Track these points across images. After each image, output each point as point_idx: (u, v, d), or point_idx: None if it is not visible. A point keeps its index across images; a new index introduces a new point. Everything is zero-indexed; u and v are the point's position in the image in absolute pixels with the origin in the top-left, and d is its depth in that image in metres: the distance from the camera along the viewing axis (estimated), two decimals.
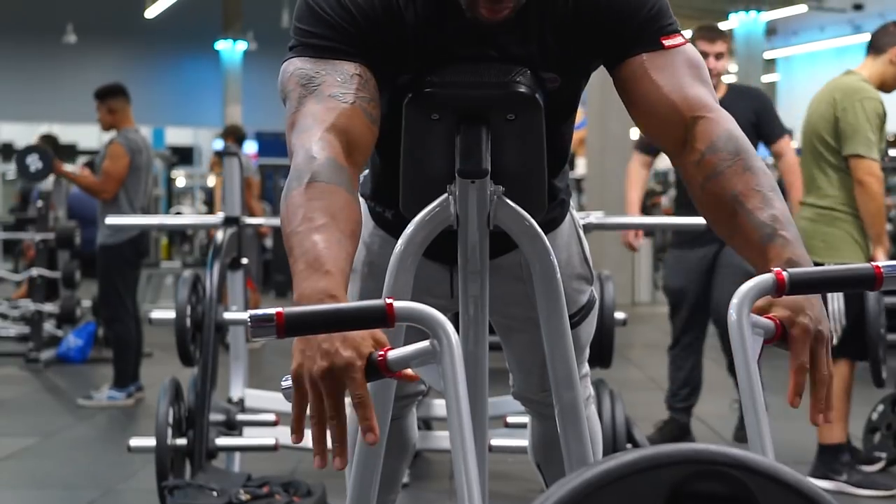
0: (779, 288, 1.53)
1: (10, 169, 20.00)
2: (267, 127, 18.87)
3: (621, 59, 1.91)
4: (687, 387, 5.25)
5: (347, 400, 1.52)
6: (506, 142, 1.92)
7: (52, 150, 9.57)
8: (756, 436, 1.53)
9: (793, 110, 23.27)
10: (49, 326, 8.36)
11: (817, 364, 1.65)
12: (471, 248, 1.97)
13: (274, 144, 17.09)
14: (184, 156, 21.39)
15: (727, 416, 5.64)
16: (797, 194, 4.87)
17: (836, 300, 4.42)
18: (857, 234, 4.47)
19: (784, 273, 1.53)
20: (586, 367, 2.45)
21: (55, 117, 21.92)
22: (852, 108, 4.42)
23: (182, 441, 3.95)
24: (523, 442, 3.51)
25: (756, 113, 5.03)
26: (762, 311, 1.65)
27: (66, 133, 20.09)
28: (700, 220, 3.85)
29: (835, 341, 4.40)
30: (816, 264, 1.72)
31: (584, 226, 2.48)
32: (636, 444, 3.93)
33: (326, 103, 1.79)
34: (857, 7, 19.51)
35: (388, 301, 1.46)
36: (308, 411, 1.51)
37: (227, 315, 4.21)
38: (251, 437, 4.34)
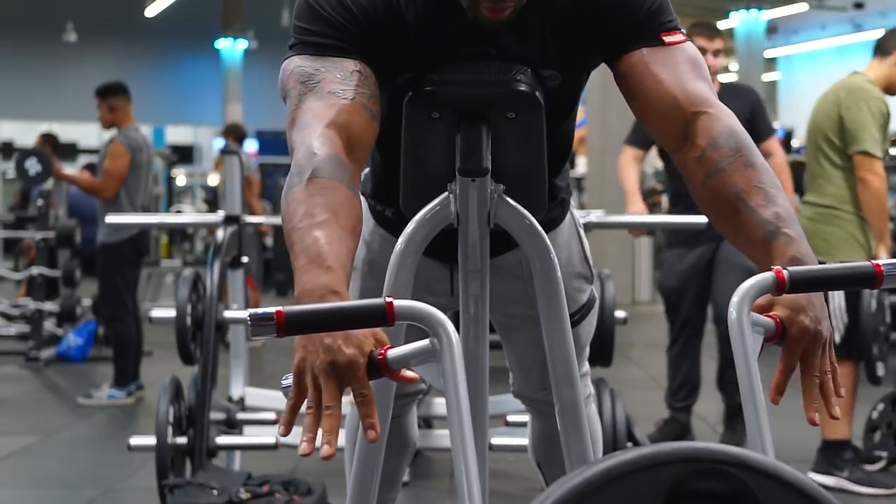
0: (779, 286, 1.53)
1: (10, 167, 20.04)
2: (267, 125, 18.88)
3: (621, 53, 1.91)
4: (686, 386, 5.25)
5: (347, 399, 1.52)
6: (506, 140, 1.92)
7: (53, 148, 9.61)
8: (756, 434, 1.53)
9: (793, 109, 23.31)
10: (49, 325, 8.35)
11: (811, 364, 1.66)
12: (471, 246, 1.97)
13: (274, 143, 17.10)
14: (184, 154, 21.40)
15: None
16: (788, 194, 4.89)
17: (837, 298, 4.43)
18: (857, 233, 4.49)
19: (784, 271, 1.53)
20: (586, 366, 2.45)
21: (55, 116, 21.92)
22: (857, 106, 4.45)
23: (182, 440, 3.95)
24: (524, 440, 3.51)
25: (751, 111, 5.04)
26: (763, 310, 1.65)
27: (67, 132, 20.08)
28: (701, 219, 3.86)
29: (837, 339, 4.42)
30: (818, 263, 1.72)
31: (584, 224, 2.48)
32: (636, 443, 3.93)
33: (327, 100, 1.79)
34: (858, 6, 19.51)
35: (388, 300, 1.45)
36: (305, 403, 1.52)
37: (228, 314, 4.21)
38: (251, 435, 4.34)
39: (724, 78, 5.23)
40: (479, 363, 2.04)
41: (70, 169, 8.16)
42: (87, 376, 7.48)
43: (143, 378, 6.71)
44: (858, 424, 4.80)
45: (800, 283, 1.53)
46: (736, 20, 17.89)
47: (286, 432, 1.52)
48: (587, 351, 2.42)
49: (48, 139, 9.81)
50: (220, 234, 4.38)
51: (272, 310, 1.43)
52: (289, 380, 1.53)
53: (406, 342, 1.56)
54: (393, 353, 1.50)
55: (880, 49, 4.62)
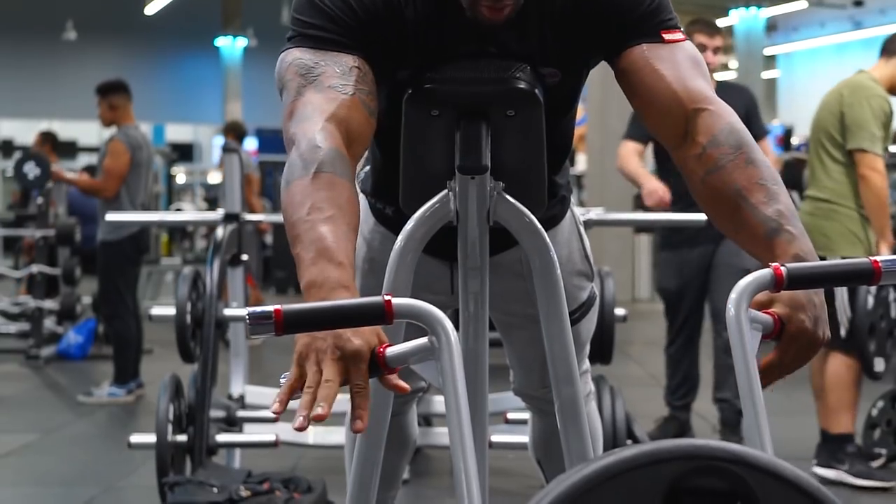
0: (777, 283, 1.53)
1: (10, 166, 20.04)
2: (267, 123, 18.86)
3: (621, 50, 1.91)
4: (685, 385, 5.26)
5: (346, 396, 1.51)
6: (506, 138, 1.93)
7: (52, 146, 9.61)
8: (755, 431, 1.53)
9: (793, 107, 23.30)
10: (49, 323, 8.36)
11: (801, 362, 1.67)
12: (471, 244, 1.97)
13: (274, 141, 17.09)
14: (184, 152, 21.40)
15: None
16: None
17: (841, 292, 4.45)
18: (857, 229, 4.51)
19: (782, 268, 1.53)
20: (587, 364, 2.46)
21: (55, 114, 21.91)
22: (859, 103, 4.48)
23: (182, 437, 3.95)
24: (523, 438, 3.52)
25: (746, 111, 5.04)
26: (763, 307, 1.65)
27: (66, 130, 20.07)
28: (701, 216, 3.86)
29: (843, 333, 4.44)
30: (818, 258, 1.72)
31: (584, 222, 2.48)
32: (636, 441, 3.94)
33: (326, 93, 1.79)
34: (858, 3, 19.50)
35: (387, 298, 1.45)
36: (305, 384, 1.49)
37: (228, 311, 4.21)
38: (251, 433, 4.34)
39: (722, 76, 5.21)
40: (479, 361, 2.04)
41: (71, 173, 8.15)
42: (87, 374, 7.48)
43: (143, 376, 6.71)
44: (858, 422, 4.80)
45: (798, 279, 1.53)
46: (735, 18, 17.89)
47: (281, 409, 1.48)
48: (587, 349, 2.43)
49: (47, 137, 9.81)
50: (220, 232, 4.38)
51: (270, 308, 1.43)
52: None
53: (405, 340, 1.56)
54: (392, 351, 1.50)
55: (887, 50, 4.67)
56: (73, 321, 8.35)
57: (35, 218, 8.43)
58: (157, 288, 11.47)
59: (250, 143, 16.29)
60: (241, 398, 4.54)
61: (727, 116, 1.85)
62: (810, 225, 4.49)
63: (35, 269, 8.21)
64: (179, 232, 14.96)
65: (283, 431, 4.30)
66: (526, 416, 4.02)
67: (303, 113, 1.77)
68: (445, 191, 1.94)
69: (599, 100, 11.18)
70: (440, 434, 4.37)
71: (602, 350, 3.82)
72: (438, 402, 4.47)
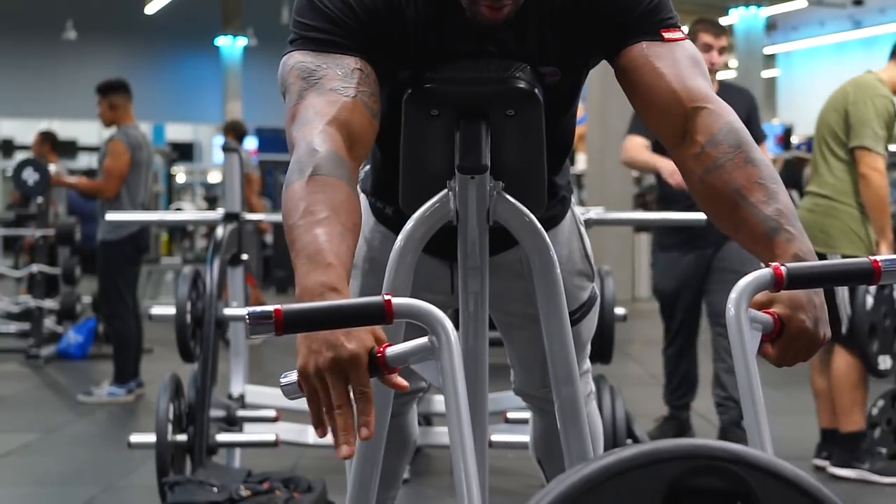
0: (776, 283, 1.53)
1: (10, 165, 20.03)
2: (267, 123, 18.87)
3: (621, 48, 1.91)
4: (684, 385, 5.26)
5: None
6: (505, 137, 1.92)
7: (52, 146, 9.61)
8: (755, 431, 1.53)
9: (793, 106, 23.32)
10: (49, 323, 8.36)
11: (794, 360, 1.67)
12: (470, 243, 1.97)
13: (274, 140, 17.10)
14: (184, 152, 21.40)
15: None
16: None
17: (842, 290, 4.47)
18: (856, 226, 4.53)
19: (782, 268, 1.53)
20: (587, 364, 2.46)
21: (55, 114, 21.91)
22: (863, 101, 4.51)
23: (182, 437, 3.95)
24: (524, 437, 3.52)
25: (747, 114, 5.04)
26: (762, 307, 1.65)
27: (66, 129, 20.07)
28: (700, 216, 3.86)
29: (843, 330, 4.46)
30: (817, 255, 1.72)
31: (584, 221, 2.48)
32: (636, 440, 3.94)
33: (328, 96, 1.79)
34: (857, 2, 19.51)
35: (387, 297, 1.45)
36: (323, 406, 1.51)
37: (228, 311, 4.21)
38: (251, 433, 4.34)
39: (722, 75, 5.20)
40: (479, 360, 2.04)
41: (72, 178, 8.16)
42: (87, 374, 7.49)
43: (143, 375, 6.71)
44: None
45: (798, 279, 1.53)
46: (735, 17, 17.89)
47: (323, 433, 1.51)
48: (588, 349, 2.42)
49: (47, 137, 9.81)
50: (220, 231, 4.38)
51: (270, 308, 1.43)
52: (288, 377, 1.53)
53: (405, 340, 1.56)
54: (392, 350, 1.50)
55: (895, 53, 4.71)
56: (73, 321, 8.35)
57: (35, 217, 8.43)
58: (157, 287, 11.48)
59: (250, 143, 16.29)
60: (241, 398, 4.54)
61: (726, 115, 1.85)
62: (810, 221, 4.51)
63: (35, 268, 8.21)
64: (179, 231, 14.96)
65: (283, 431, 4.30)
66: (526, 415, 4.02)
67: (304, 117, 1.77)
68: (445, 190, 1.94)
69: (599, 99, 11.18)
70: (440, 433, 4.37)
71: (602, 349, 3.82)
72: (438, 402, 4.47)
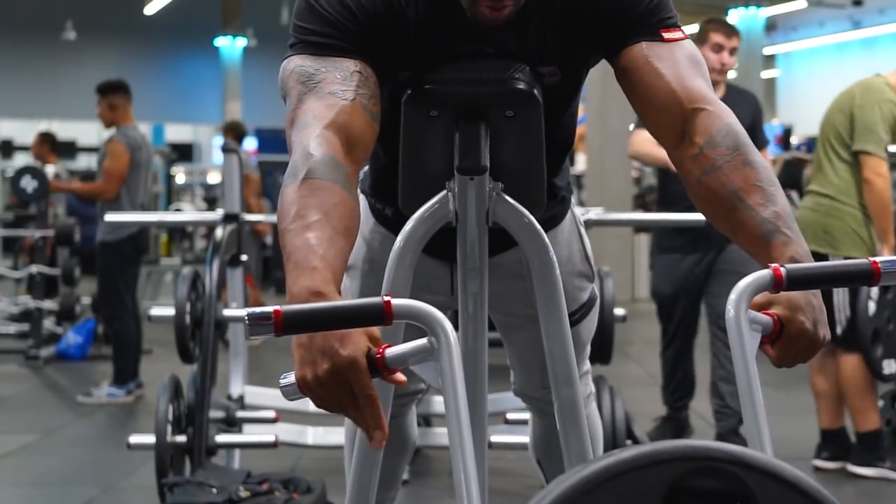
0: (776, 284, 1.53)
1: (10, 166, 20.03)
2: (266, 123, 18.87)
3: (621, 47, 1.91)
4: (682, 387, 5.25)
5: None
6: (505, 138, 1.92)
7: (51, 147, 9.61)
8: (754, 432, 1.53)
9: (792, 106, 23.33)
10: (49, 323, 8.36)
11: (794, 361, 1.67)
12: (470, 244, 1.97)
13: (273, 141, 17.09)
14: (183, 152, 21.40)
15: None
16: None
17: (841, 292, 4.48)
18: (858, 227, 4.54)
19: (782, 269, 1.53)
20: (587, 365, 2.46)
21: (54, 114, 21.92)
22: (870, 105, 4.53)
23: (182, 438, 3.95)
24: (523, 438, 3.52)
25: (753, 117, 5.04)
26: (761, 308, 1.65)
27: (66, 130, 20.08)
28: (700, 217, 3.86)
29: (839, 332, 4.48)
30: (818, 255, 1.72)
31: (584, 222, 2.48)
32: (636, 441, 3.94)
33: (326, 100, 1.79)
34: (857, 3, 19.51)
35: (386, 299, 1.45)
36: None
37: (227, 312, 4.21)
38: (251, 433, 4.34)
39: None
40: (479, 361, 2.04)
41: (76, 183, 8.17)
42: (86, 375, 7.48)
43: (142, 376, 6.71)
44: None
45: (797, 280, 1.53)
46: (735, 17, 17.89)
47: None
48: (588, 350, 2.42)
49: (47, 138, 9.81)
50: (219, 232, 4.38)
51: (270, 309, 1.42)
52: (287, 378, 1.53)
53: (405, 341, 1.56)
54: (391, 352, 1.50)
55: None
56: (72, 321, 8.35)
57: (34, 218, 8.44)
58: (156, 288, 11.47)
59: (250, 143, 16.30)
60: (241, 399, 4.53)
61: (725, 117, 1.85)
62: (811, 221, 4.53)
63: (34, 269, 8.21)
64: (179, 232, 14.96)
65: (283, 432, 4.30)
66: (526, 416, 4.02)
67: (302, 121, 1.77)
68: (444, 191, 1.94)
69: (599, 100, 11.18)
70: (440, 434, 4.37)
71: (602, 350, 3.83)
72: (438, 403, 4.47)
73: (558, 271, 2.00)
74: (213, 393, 4.16)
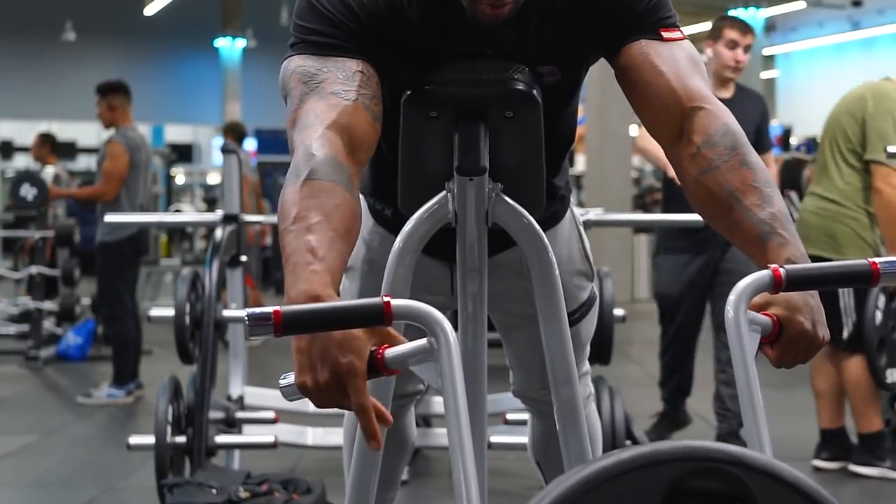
0: (776, 284, 1.53)
1: (10, 167, 20.03)
2: (266, 124, 18.86)
3: (621, 45, 1.91)
4: (680, 390, 5.22)
5: None
6: (504, 139, 1.92)
7: (51, 148, 9.61)
8: (754, 433, 1.53)
9: (792, 107, 23.32)
10: (48, 324, 8.35)
11: (794, 362, 1.67)
12: (469, 245, 1.97)
13: (273, 141, 17.08)
14: (183, 153, 21.39)
15: None
16: None
17: (847, 295, 4.48)
18: (863, 232, 4.54)
19: (781, 269, 1.53)
20: (587, 365, 2.45)
21: (54, 115, 21.90)
22: (882, 115, 4.52)
23: (181, 439, 3.95)
24: (523, 438, 3.51)
25: (761, 118, 5.04)
26: (759, 309, 1.65)
27: (65, 131, 20.07)
28: (699, 218, 3.85)
29: (845, 335, 4.48)
30: (822, 259, 1.72)
31: (583, 223, 2.48)
32: (635, 441, 3.94)
33: (328, 100, 1.78)
34: (856, 4, 19.49)
35: (386, 299, 1.45)
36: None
37: (227, 312, 4.21)
38: (251, 434, 4.34)
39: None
40: (478, 362, 2.04)
41: (76, 187, 8.17)
42: (86, 375, 7.48)
43: (142, 377, 6.71)
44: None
45: (797, 281, 1.53)
46: None
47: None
48: (587, 350, 2.42)
49: (46, 139, 9.81)
50: (219, 233, 4.38)
51: (269, 309, 1.42)
52: (287, 379, 1.53)
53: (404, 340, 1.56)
54: (390, 352, 1.50)
55: None
56: (72, 322, 8.34)
57: (34, 219, 8.43)
58: (156, 289, 11.47)
59: (249, 144, 16.30)
60: (241, 399, 4.53)
61: (724, 117, 1.85)
62: (816, 225, 4.53)
63: (34, 270, 8.20)
64: (179, 233, 14.95)
65: (282, 432, 4.30)
66: (525, 416, 4.02)
67: (304, 121, 1.76)
68: (444, 192, 1.94)
69: (598, 100, 11.18)
70: (439, 435, 4.37)
71: (601, 351, 3.83)
72: (438, 403, 4.47)
73: (558, 272, 2.00)
74: (212, 393, 4.16)
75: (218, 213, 4.67)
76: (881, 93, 4.58)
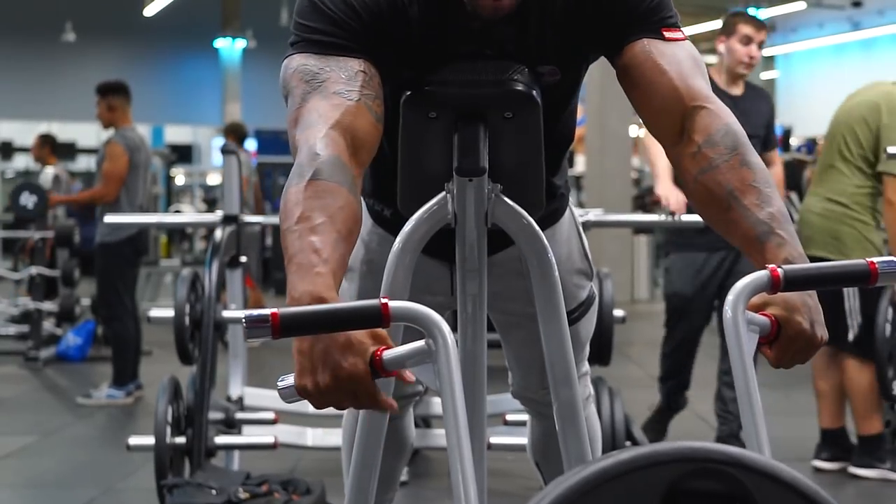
0: (774, 284, 1.53)
1: (10, 167, 20.03)
2: (266, 125, 18.86)
3: (622, 44, 1.91)
4: (681, 384, 5.21)
5: None
6: (503, 139, 1.92)
7: (51, 148, 9.61)
8: (752, 433, 1.53)
9: (792, 107, 23.31)
10: (48, 325, 8.35)
11: (792, 362, 1.67)
12: (469, 246, 1.97)
13: (273, 142, 17.09)
14: (183, 154, 21.39)
15: None
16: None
17: (853, 298, 4.47)
18: (869, 234, 4.55)
19: (779, 269, 1.53)
20: (586, 366, 2.45)
21: (54, 116, 21.91)
22: None
23: (181, 439, 3.95)
24: (522, 439, 3.51)
25: (769, 117, 5.03)
26: (757, 309, 1.65)
27: (65, 131, 20.08)
28: (698, 218, 3.85)
29: (850, 337, 4.48)
30: (825, 261, 1.72)
31: (583, 223, 2.48)
32: (635, 442, 3.93)
33: (331, 100, 1.77)
34: (856, 4, 19.50)
35: (384, 301, 1.45)
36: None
37: (226, 313, 4.21)
38: (250, 435, 4.34)
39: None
40: (478, 362, 2.04)
41: (76, 185, 8.18)
42: (86, 376, 7.48)
43: (141, 378, 6.71)
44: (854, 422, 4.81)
45: (795, 281, 1.53)
46: None
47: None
48: (587, 350, 2.42)
49: (46, 140, 9.81)
50: (219, 233, 4.38)
51: (267, 311, 1.42)
52: (286, 380, 1.52)
53: (404, 341, 1.56)
54: (389, 353, 1.50)
55: None
56: (71, 323, 8.34)
57: (34, 220, 8.43)
58: (155, 289, 11.47)
59: (249, 145, 16.30)
60: (240, 400, 4.53)
61: (725, 117, 1.85)
62: (821, 227, 4.53)
63: (34, 270, 8.20)
64: (178, 233, 14.95)
65: (282, 433, 4.30)
66: (525, 417, 4.02)
67: (307, 120, 1.76)
68: (443, 193, 1.93)
69: (598, 101, 11.18)
70: (439, 436, 4.37)
71: (601, 351, 3.83)
72: (437, 404, 4.47)
73: (557, 273, 2.00)
74: (212, 394, 4.16)
75: (218, 214, 4.67)
76: (894, 101, 4.55)
